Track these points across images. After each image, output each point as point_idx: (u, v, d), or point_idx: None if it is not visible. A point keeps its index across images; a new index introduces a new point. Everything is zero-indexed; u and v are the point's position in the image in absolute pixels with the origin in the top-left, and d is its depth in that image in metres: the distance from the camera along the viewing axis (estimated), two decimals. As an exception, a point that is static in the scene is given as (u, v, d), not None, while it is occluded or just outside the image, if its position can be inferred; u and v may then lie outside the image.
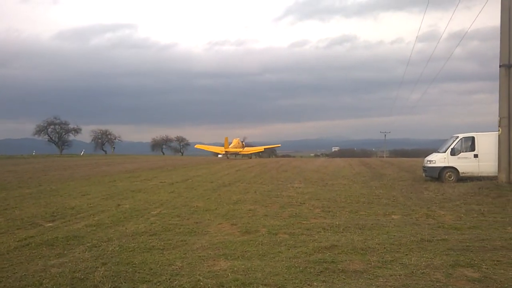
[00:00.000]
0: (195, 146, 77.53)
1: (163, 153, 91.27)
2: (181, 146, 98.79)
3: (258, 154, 76.38)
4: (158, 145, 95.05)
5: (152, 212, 10.72)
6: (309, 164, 35.65)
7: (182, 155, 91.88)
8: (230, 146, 59.92)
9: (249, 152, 61.58)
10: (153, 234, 8.14)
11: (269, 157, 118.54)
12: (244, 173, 24.95)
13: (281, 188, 16.28)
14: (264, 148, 75.63)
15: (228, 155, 58.12)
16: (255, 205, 11.90)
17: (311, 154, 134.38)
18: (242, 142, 65.14)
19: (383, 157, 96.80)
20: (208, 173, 24.83)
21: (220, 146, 64.93)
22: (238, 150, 60.87)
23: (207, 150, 71.17)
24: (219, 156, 63.52)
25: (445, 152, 18.37)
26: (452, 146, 18.18)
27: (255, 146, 72.06)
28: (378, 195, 14.17)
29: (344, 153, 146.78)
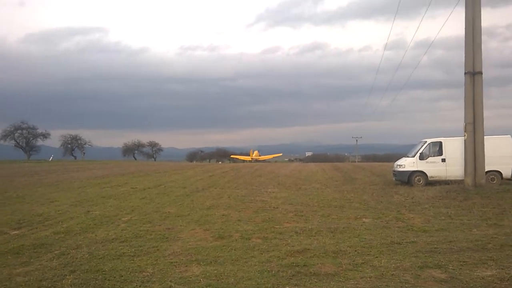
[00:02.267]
0: (231, 156, 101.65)
1: (135, 159, 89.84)
2: (154, 151, 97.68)
3: (232, 159, 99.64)
4: (130, 150, 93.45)
5: (123, 219, 10.55)
6: (283, 169, 35.86)
7: (155, 160, 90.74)
8: (253, 155, 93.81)
9: (264, 159, 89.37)
10: (123, 241, 8.00)
11: (244, 162, 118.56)
12: (218, 178, 24.87)
13: (255, 193, 16.32)
14: (273, 156, 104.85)
15: (253, 161, 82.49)
16: (228, 210, 11.89)
17: (285, 159, 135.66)
18: (258, 152, 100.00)
19: (355, 162, 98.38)
20: (181, 178, 24.61)
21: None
22: (257, 157, 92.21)
23: (238, 159, 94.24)
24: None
25: (414, 156, 18.83)
26: (420, 151, 18.65)
27: (261, 155, 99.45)
28: (349, 199, 14.38)
29: (317, 158, 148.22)
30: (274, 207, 12.34)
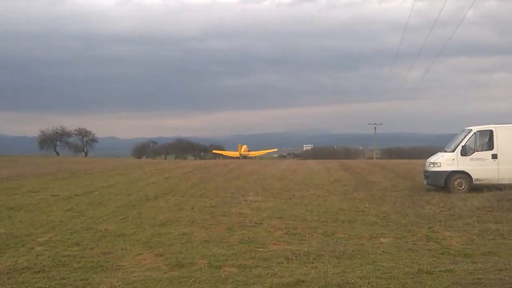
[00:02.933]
0: (212, 151, 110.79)
1: (57, 153, 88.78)
2: (84, 142, 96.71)
3: (198, 155, 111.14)
4: (50, 141, 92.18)
5: (39, 239, 10.48)
6: (271, 168, 36.00)
7: (86, 156, 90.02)
8: (242, 150, 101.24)
9: (254, 155, 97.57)
10: (39, 271, 7.97)
11: (214, 158, 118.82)
12: (177, 181, 24.87)
13: (230, 203, 16.38)
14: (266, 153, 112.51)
15: (241, 158, 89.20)
16: (191, 227, 11.95)
17: (274, 155, 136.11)
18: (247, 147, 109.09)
19: (373, 158, 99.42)
20: (124, 181, 24.55)
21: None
22: (247, 153, 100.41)
23: (222, 155, 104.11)
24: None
25: (453, 151, 19.18)
26: (463, 144, 18.98)
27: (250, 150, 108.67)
28: (363, 210, 14.57)
29: (319, 153, 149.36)
30: (256, 223, 12.42)
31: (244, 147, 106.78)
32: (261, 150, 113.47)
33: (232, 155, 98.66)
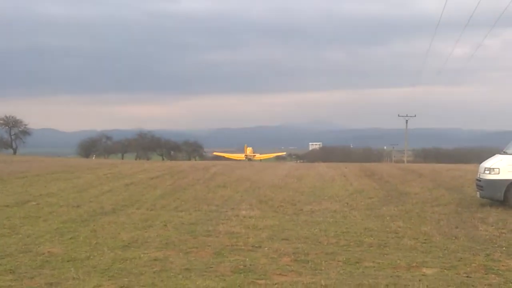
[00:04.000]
0: (214, 154, 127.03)
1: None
2: (13, 136, 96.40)
3: (167, 154, 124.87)
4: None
5: (-42, 266, 10.45)
6: (268, 173, 35.91)
7: (15, 153, 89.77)
8: (248, 153, 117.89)
9: (259, 159, 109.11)
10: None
11: (190, 159, 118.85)
12: (142, 189, 24.79)
13: (216, 219, 16.40)
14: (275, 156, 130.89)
15: (246, 160, 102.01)
16: (165, 250, 11.97)
17: (272, 155, 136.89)
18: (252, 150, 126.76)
19: (403, 161, 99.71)
20: (70, 188, 24.47)
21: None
22: (252, 156, 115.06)
23: (225, 157, 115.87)
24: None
25: (516, 154, 19.25)
26: (530, 143, 19.05)
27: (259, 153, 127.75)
28: (396, 231, 14.59)
29: (330, 154, 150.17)
30: (253, 246, 12.43)
31: (250, 149, 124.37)
32: (267, 153, 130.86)
33: (236, 158, 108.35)
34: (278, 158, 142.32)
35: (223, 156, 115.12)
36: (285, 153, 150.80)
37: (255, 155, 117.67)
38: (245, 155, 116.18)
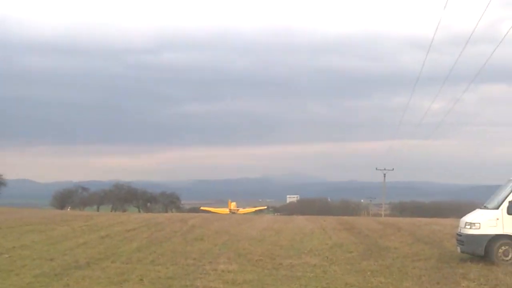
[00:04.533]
0: (201, 208, 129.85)
1: None
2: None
3: (144, 206, 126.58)
4: None
5: None
6: (246, 226, 35.62)
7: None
8: (232, 207, 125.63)
9: (244, 213, 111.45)
10: None
11: (167, 211, 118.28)
12: (118, 242, 24.48)
13: (194, 273, 16.22)
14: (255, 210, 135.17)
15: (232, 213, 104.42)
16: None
17: (254, 209, 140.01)
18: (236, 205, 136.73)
19: (381, 215, 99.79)
20: (44, 241, 24.19)
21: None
22: (236, 210, 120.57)
23: (211, 212, 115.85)
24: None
25: (497, 208, 19.13)
26: (510, 198, 18.91)
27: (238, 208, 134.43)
28: (377, 287, 14.46)
29: (308, 207, 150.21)
30: (232, 302, 12.15)
31: (234, 204, 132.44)
32: (248, 207, 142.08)
33: (221, 213, 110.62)
34: (258, 211, 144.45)
35: (209, 211, 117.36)
36: (266, 207, 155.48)
37: (238, 210, 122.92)
38: (229, 209, 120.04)
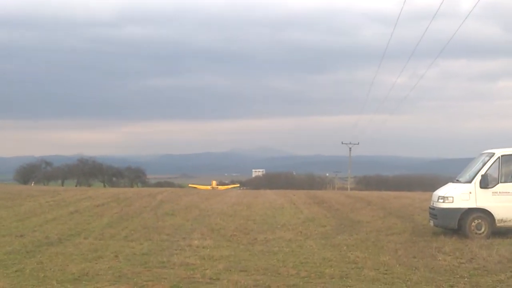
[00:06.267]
0: (189, 185, 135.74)
1: None
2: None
3: (109, 180, 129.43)
4: None
5: None
6: (216, 201, 35.53)
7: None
8: (213, 185, 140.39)
9: (222, 189, 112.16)
10: None
11: (132, 186, 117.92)
12: (88, 217, 24.27)
13: (169, 249, 16.16)
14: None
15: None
16: (119, 284, 11.70)
17: (214, 183, 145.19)
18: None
19: (347, 188, 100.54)
20: (12, 217, 23.98)
21: None
22: (216, 187, 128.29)
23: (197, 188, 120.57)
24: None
25: (470, 182, 19.24)
26: (482, 172, 19.03)
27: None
28: (355, 261, 14.41)
29: (273, 181, 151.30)
30: (211, 278, 12.21)
31: (214, 182, 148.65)
32: (225, 184, 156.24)
33: (205, 189, 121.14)
34: (222, 183, 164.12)
35: (196, 187, 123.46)
36: (238, 185, 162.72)
37: (218, 187, 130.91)
38: (212, 186, 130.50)
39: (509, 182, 18.94)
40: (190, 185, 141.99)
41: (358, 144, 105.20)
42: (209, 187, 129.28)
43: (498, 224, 18.79)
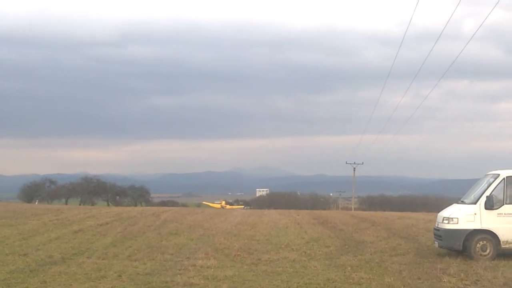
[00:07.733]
0: (203, 203, 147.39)
1: None
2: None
3: (113, 199, 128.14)
4: None
5: None
6: (220, 220, 35.44)
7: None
8: (222, 204, 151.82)
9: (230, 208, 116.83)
10: None
11: (136, 205, 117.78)
12: (91, 236, 24.21)
13: (172, 269, 16.08)
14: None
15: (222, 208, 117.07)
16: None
17: (216, 202, 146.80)
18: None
19: (351, 208, 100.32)
20: (15, 236, 23.85)
21: None
22: (225, 206, 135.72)
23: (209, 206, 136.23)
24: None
25: (475, 203, 19.21)
26: (487, 193, 19.02)
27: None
28: (359, 282, 14.35)
29: (277, 201, 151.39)
30: (215, 299, 12.04)
31: (223, 202, 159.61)
32: (217, 201, 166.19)
33: (217, 207, 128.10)
34: (227, 202, 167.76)
35: (209, 205, 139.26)
36: (243, 206, 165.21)
37: (226, 206, 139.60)
38: (221, 205, 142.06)
39: (516, 203, 18.94)
40: (204, 202, 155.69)
41: (362, 163, 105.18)
42: (219, 205, 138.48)
43: (503, 246, 18.74)
